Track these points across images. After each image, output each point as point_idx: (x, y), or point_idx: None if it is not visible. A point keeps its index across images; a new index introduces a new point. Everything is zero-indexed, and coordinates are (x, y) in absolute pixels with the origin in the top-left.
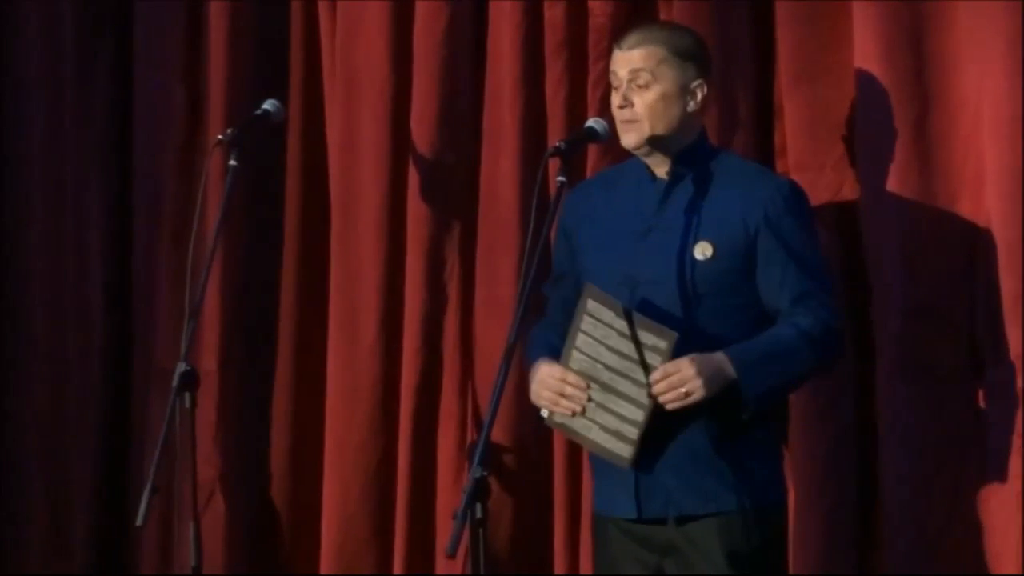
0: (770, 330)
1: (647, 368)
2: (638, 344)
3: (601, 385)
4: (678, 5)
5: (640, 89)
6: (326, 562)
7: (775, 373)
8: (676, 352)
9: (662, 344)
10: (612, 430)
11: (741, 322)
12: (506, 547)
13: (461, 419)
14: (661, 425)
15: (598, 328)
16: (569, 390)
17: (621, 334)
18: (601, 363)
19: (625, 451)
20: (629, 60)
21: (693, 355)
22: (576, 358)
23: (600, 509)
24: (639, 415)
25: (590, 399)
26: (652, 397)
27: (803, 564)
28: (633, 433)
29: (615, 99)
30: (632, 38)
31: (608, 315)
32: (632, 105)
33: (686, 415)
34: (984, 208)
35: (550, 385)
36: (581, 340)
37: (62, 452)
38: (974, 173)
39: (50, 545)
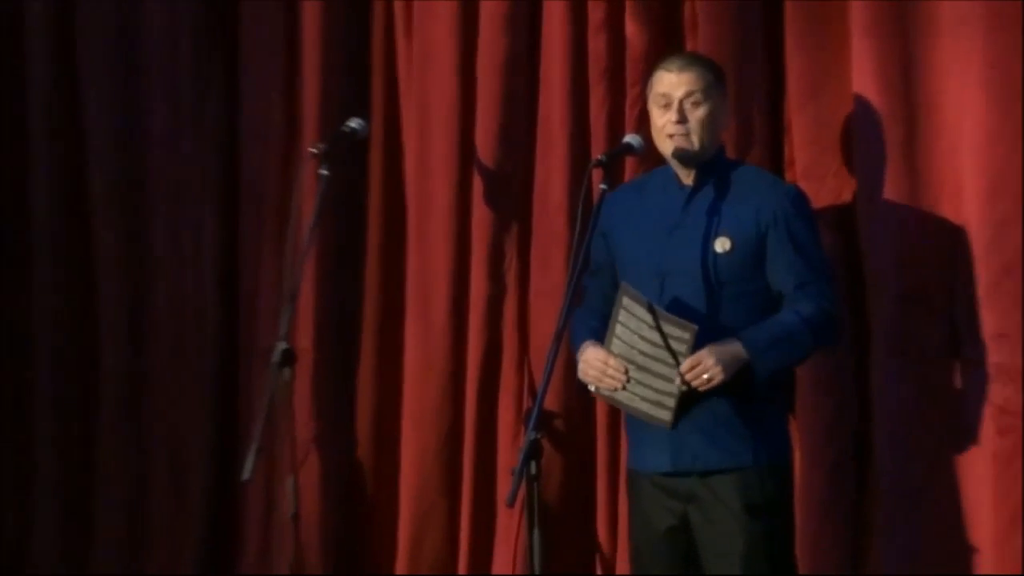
0: (777, 316)
1: (673, 353)
2: (663, 334)
3: (637, 366)
4: (702, 38)
5: (693, 107)
6: (404, 511)
7: (781, 354)
8: (698, 340)
9: (686, 335)
10: (652, 400)
11: (754, 305)
12: (556, 499)
13: (518, 390)
14: (690, 395)
15: (632, 320)
16: (611, 371)
17: (651, 326)
18: (636, 349)
19: (666, 415)
20: (682, 82)
21: (711, 346)
22: (616, 344)
23: (634, 466)
24: (673, 389)
25: (629, 377)
26: (685, 383)
27: (808, 513)
28: (670, 402)
29: (668, 114)
30: (680, 62)
31: (640, 311)
32: (686, 120)
33: (711, 390)
34: (963, 211)
35: (595, 366)
36: (619, 330)
37: (182, 419)
38: (954, 182)
39: (173, 496)
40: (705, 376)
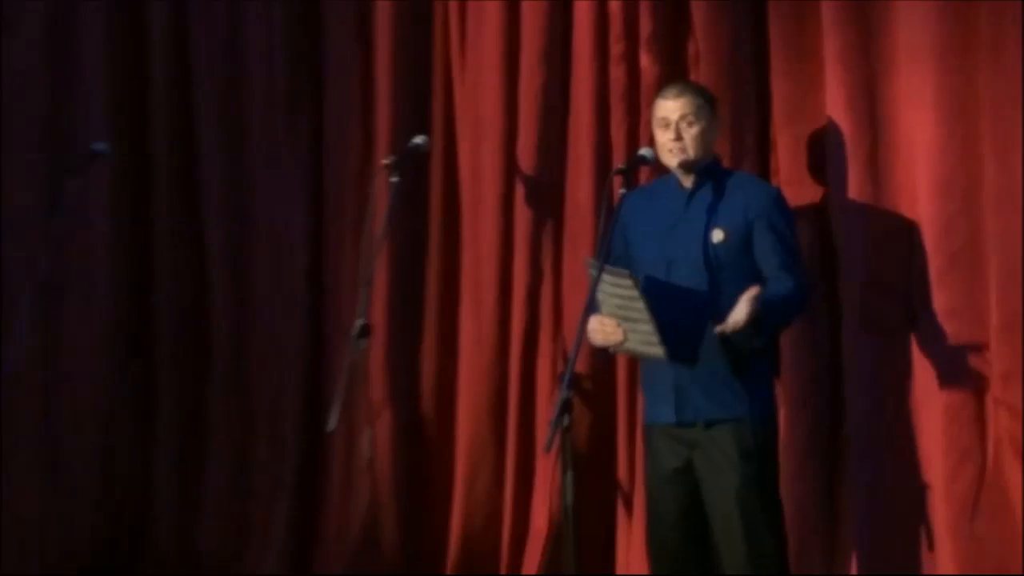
0: (770, 288)
1: (639, 300)
2: (624, 287)
3: (623, 319)
4: (703, 71)
5: (687, 126)
6: (460, 457)
7: (776, 312)
8: (702, 315)
9: (628, 282)
10: (645, 342)
11: (744, 283)
12: (584, 446)
13: (553, 357)
14: (700, 356)
15: (603, 285)
16: (608, 329)
17: (615, 286)
18: (615, 306)
19: (659, 351)
20: (678, 107)
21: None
22: (604, 307)
23: (648, 419)
24: (650, 328)
25: (624, 330)
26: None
27: (790, 461)
28: (655, 340)
29: (668, 133)
30: (675, 90)
31: (606, 276)
32: (682, 138)
33: (715, 351)
34: (917, 210)
35: (596, 328)
36: (600, 296)
37: (279, 381)
38: (910, 185)
39: (272, 445)
40: (742, 318)
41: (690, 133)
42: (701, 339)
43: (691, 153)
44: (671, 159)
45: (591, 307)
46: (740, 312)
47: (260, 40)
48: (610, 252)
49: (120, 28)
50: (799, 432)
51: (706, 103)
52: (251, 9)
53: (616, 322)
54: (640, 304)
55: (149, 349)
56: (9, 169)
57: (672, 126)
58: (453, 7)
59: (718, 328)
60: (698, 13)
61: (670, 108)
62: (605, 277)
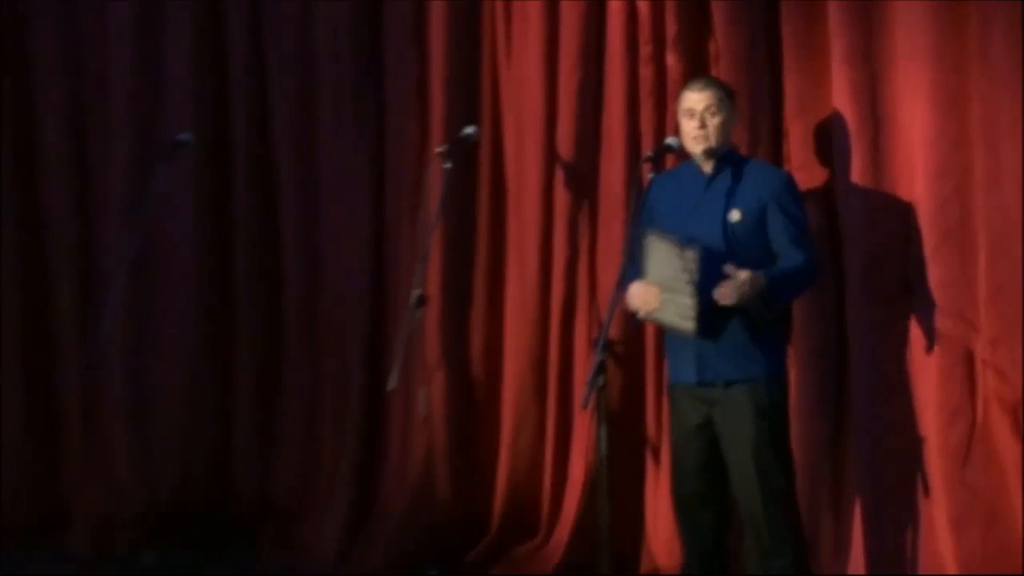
0: (781, 262)
1: (689, 273)
2: (683, 260)
3: (666, 288)
4: (723, 68)
5: (711, 116)
6: (506, 413)
7: (788, 286)
8: (703, 262)
9: (692, 255)
10: (679, 315)
11: (759, 260)
12: (617, 404)
13: (589, 324)
14: (717, 323)
15: (657, 254)
16: (649, 296)
17: (672, 256)
18: (665, 275)
19: (690, 326)
20: (702, 99)
21: (746, 272)
22: (650, 275)
23: (672, 379)
24: (691, 304)
25: (662, 300)
26: (697, 297)
27: (800, 417)
28: (691, 314)
29: (693, 122)
30: (700, 83)
31: (663, 245)
32: (706, 126)
33: (728, 318)
34: (914, 192)
35: (637, 294)
36: (649, 264)
37: (345, 345)
38: (908, 171)
39: (339, 402)
40: (733, 293)
41: (713, 123)
42: (724, 315)
43: (713, 141)
44: (695, 146)
45: (624, 280)
46: (725, 296)
47: (328, 39)
48: (639, 229)
49: (202, 26)
50: (808, 391)
51: (727, 96)
52: (320, 10)
53: (658, 291)
54: (693, 278)
55: (228, 316)
56: (104, 156)
57: (697, 116)
58: (499, 10)
59: (715, 294)
60: (718, 16)
61: (695, 100)
62: (664, 247)
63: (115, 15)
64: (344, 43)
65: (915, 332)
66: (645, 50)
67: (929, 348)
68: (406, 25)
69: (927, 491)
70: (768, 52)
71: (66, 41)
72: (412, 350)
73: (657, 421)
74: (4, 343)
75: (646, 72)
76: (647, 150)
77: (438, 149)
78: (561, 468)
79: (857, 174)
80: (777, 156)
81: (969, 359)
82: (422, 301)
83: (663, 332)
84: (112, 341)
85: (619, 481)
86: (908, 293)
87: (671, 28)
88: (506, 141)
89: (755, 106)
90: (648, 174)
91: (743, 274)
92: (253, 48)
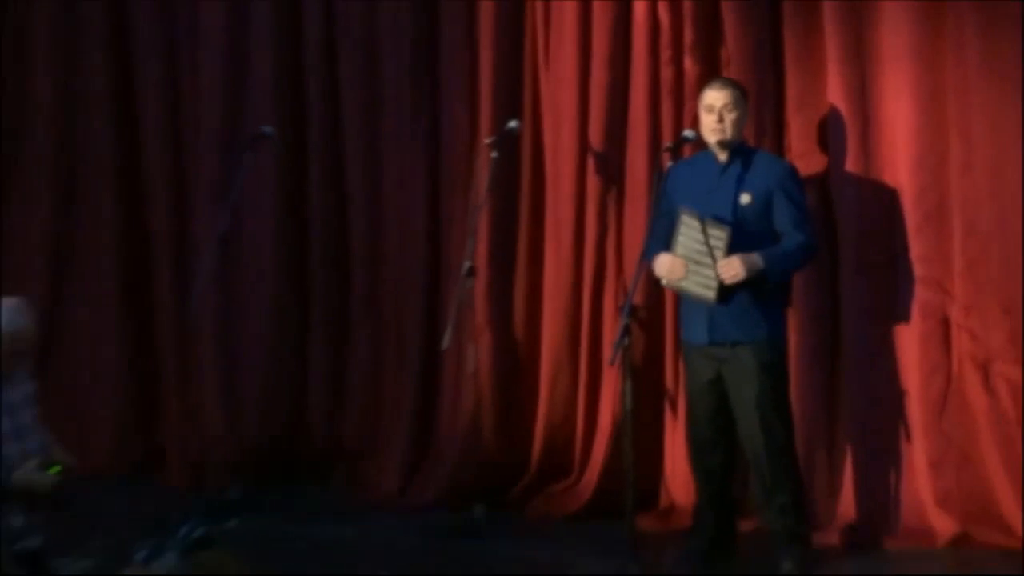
0: (781, 243)
1: (712, 251)
2: (707, 236)
3: (693, 261)
4: (733, 70)
5: (728, 112)
6: (544, 368)
7: (784, 264)
8: (732, 240)
9: (723, 235)
10: (703, 286)
11: (765, 238)
12: (640, 362)
13: (616, 292)
14: (727, 293)
15: (688, 231)
16: (676, 266)
17: (700, 232)
18: (692, 250)
19: (711, 295)
20: (721, 96)
21: (740, 254)
22: (679, 248)
23: (686, 339)
24: (713, 276)
25: (687, 270)
26: (719, 278)
27: (799, 372)
28: (713, 285)
29: (712, 116)
30: (720, 83)
31: (694, 223)
32: (723, 121)
33: (739, 288)
34: (898, 179)
35: (665, 263)
36: (680, 239)
37: (404, 308)
38: (892, 160)
39: (399, 358)
40: (732, 272)
41: (729, 118)
42: (735, 285)
43: (728, 134)
44: (712, 137)
45: (646, 254)
46: (733, 268)
47: (390, 41)
48: (660, 210)
49: (283, 29)
50: (806, 351)
51: (742, 96)
52: (385, 17)
53: (684, 263)
54: (717, 255)
55: (304, 282)
56: (199, 145)
57: (716, 111)
58: (539, 17)
59: (720, 273)
60: (728, 24)
61: (716, 97)
62: (694, 224)
63: (207, 14)
64: (405, 43)
65: (899, 300)
66: (665, 54)
67: (911, 314)
68: (459, 31)
69: (908, 437)
70: (772, 55)
71: (164, 37)
72: (462, 314)
73: (674, 377)
74: (112, 308)
75: (666, 73)
76: (667, 141)
77: (486, 140)
78: (591, 417)
79: (849, 163)
80: (780, 146)
81: (945, 323)
82: (471, 272)
83: (679, 299)
84: (204, 304)
85: (641, 428)
86: (893, 266)
87: (688, 35)
88: (544, 133)
89: (760, 102)
90: (668, 162)
91: (735, 259)
92: (325, 45)
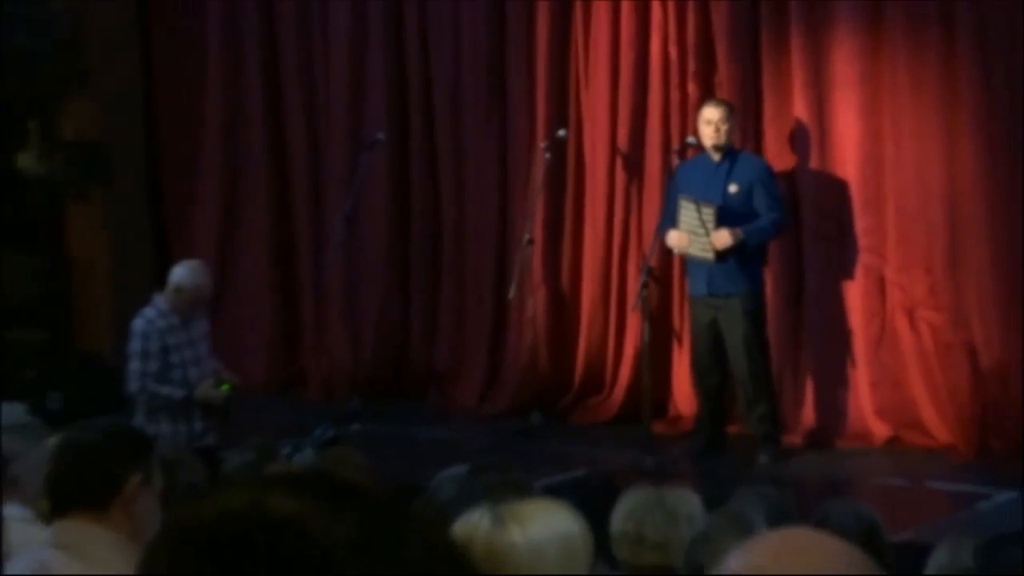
0: (759, 220)
1: (705, 224)
2: (701, 214)
3: (694, 233)
4: (725, 92)
5: (722, 124)
6: (584, 313)
7: (760, 236)
8: (719, 215)
9: (711, 211)
10: (702, 250)
11: (747, 215)
12: (655, 308)
13: (638, 257)
14: (721, 256)
15: (687, 212)
16: (683, 239)
17: (696, 211)
18: (693, 224)
19: (711, 256)
20: (717, 112)
21: (727, 227)
22: (682, 224)
23: (691, 292)
24: (708, 243)
25: (691, 240)
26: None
27: (773, 314)
28: (710, 252)
29: (710, 128)
30: (715, 102)
31: (691, 205)
32: (718, 131)
33: (729, 252)
34: (848, 172)
35: (673, 237)
36: (682, 217)
37: (480, 268)
38: (842, 159)
39: (477, 304)
40: (721, 241)
41: (723, 129)
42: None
43: (721, 141)
44: (709, 142)
45: (660, 229)
46: (722, 238)
47: (471, 67)
48: (670, 196)
49: (391, 63)
50: (779, 299)
51: (732, 113)
52: (466, 48)
53: (687, 236)
54: (709, 227)
55: (406, 249)
56: (330, 147)
57: (713, 124)
58: (580, 49)
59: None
60: (720, 59)
61: (711, 113)
62: (690, 205)
63: (335, 46)
64: (481, 69)
65: (847, 262)
66: (674, 81)
67: (856, 273)
68: (521, 61)
69: (854, 364)
70: (753, 81)
71: (302, 61)
72: (523, 273)
73: (681, 320)
74: (264, 268)
75: (674, 95)
76: (675, 146)
77: (541, 144)
78: (619, 349)
79: (811, 162)
80: (759, 149)
81: (881, 280)
82: (530, 242)
83: (684, 262)
84: (333, 265)
85: (656, 358)
86: (843, 238)
87: (691, 66)
88: (584, 139)
89: (744, 116)
90: (676, 161)
91: (723, 231)
92: (424, 83)
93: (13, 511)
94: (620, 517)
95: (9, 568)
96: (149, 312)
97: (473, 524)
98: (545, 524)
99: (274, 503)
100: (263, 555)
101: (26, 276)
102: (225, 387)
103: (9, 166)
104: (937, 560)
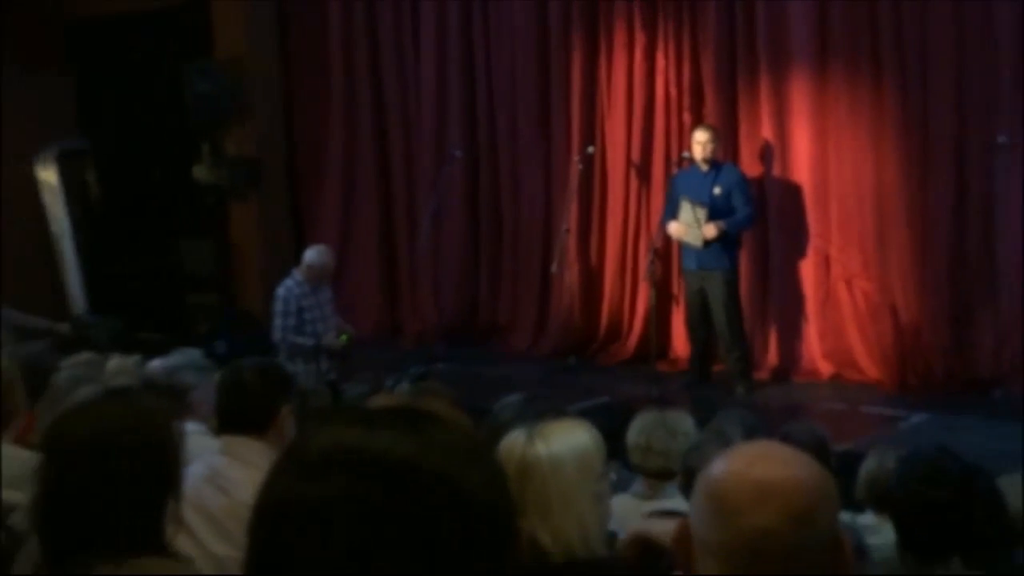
0: (736, 215)
1: (698, 218)
2: (696, 213)
3: (688, 226)
4: (712, 120)
5: (709, 143)
6: (607, 280)
7: (738, 227)
8: (709, 213)
9: (703, 210)
10: (694, 238)
11: (727, 211)
12: (660, 278)
13: (647, 241)
14: (708, 243)
15: (684, 208)
16: (681, 228)
17: (692, 210)
18: (688, 218)
19: (700, 244)
20: (704, 134)
21: (714, 221)
22: (681, 217)
23: (684, 267)
24: (700, 234)
25: (687, 230)
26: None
27: (746, 285)
28: (699, 239)
29: (699, 147)
30: (704, 127)
31: (687, 204)
32: (707, 149)
33: (714, 239)
34: (802, 180)
35: (673, 227)
36: (682, 214)
37: (530, 250)
38: (798, 169)
39: (528, 273)
40: (711, 232)
41: (709, 148)
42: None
43: (708, 156)
44: (699, 157)
45: (663, 221)
46: (710, 230)
47: (524, 96)
48: (670, 199)
49: (469, 83)
50: (750, 274)
51: (717, 136)
52: (519, 77)
53: (685, 227)
54: (701, 220)
55: (477, 235)
56: (421, 157)
57: (702, 143)
58: (604, 84)
59: (703, 233)
60: (708, 95)
61: (701, 135)
62: (688, 206)
63: (425, 72)
64: (532, 96)
65: (802, 244)
66: (674, 111)
67: (807, 253)
68: (561, 90)
69: (806, 320)
70: (732, 111)
71: (399, 77)
72: (562, 253)
73: (679, 287)
74: (373, 249)
75: (673, 122)
76: (675, 159)
77: (575, 158)
78: (632, 308)
79: (775, 171)
80: (736, 161)
81: (827, 258)
82: (567, 231)
83: (681, 246)
84: (423, 247)
85: (660, 315)
86: (799, 228)
87: (686, 101)
88: (607, 154)
89: (725, 137)
90: (675, 171)
91: (711, 225)
92: (488, 95)
93: (192, 427)
94: (633, 432)
95: (190, 470)
96: (288, 282)
97: (512, 441)
98: (564, 440)
99: (378, 437)
100: (369, 480)
101: (201, 256)
102: (344, 337)
103: (188, 176)
104: (868, 465)
